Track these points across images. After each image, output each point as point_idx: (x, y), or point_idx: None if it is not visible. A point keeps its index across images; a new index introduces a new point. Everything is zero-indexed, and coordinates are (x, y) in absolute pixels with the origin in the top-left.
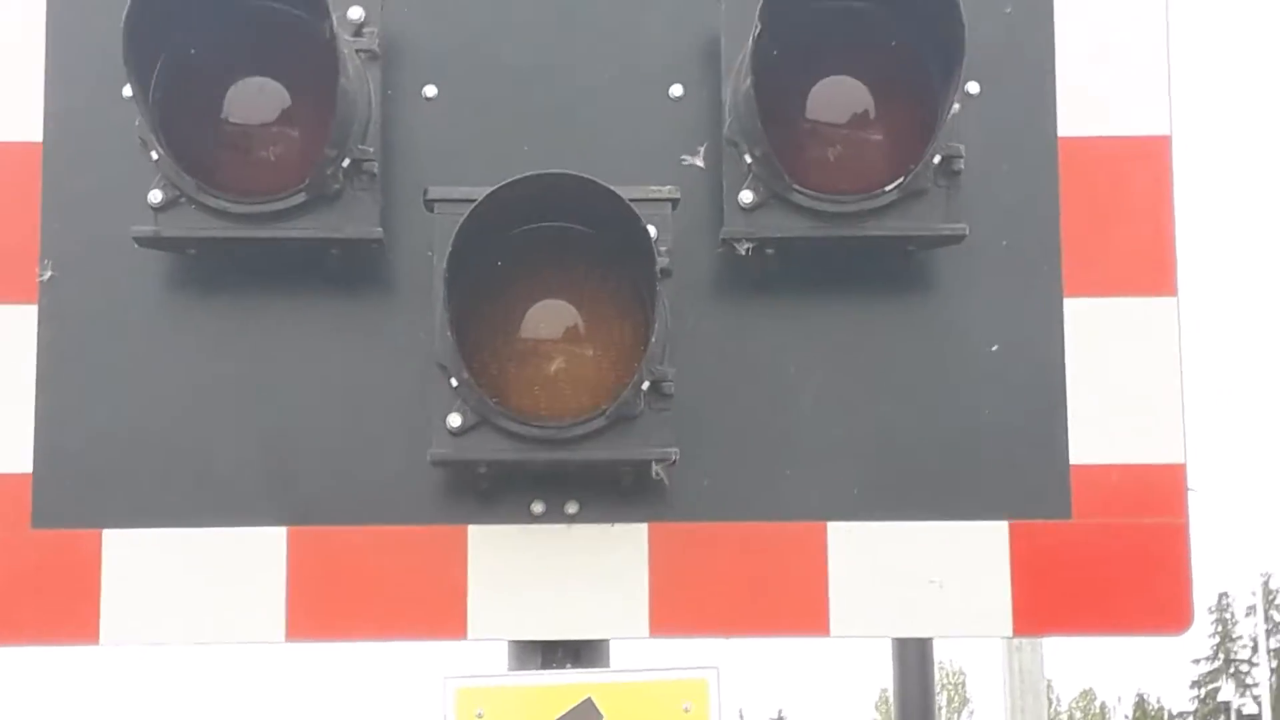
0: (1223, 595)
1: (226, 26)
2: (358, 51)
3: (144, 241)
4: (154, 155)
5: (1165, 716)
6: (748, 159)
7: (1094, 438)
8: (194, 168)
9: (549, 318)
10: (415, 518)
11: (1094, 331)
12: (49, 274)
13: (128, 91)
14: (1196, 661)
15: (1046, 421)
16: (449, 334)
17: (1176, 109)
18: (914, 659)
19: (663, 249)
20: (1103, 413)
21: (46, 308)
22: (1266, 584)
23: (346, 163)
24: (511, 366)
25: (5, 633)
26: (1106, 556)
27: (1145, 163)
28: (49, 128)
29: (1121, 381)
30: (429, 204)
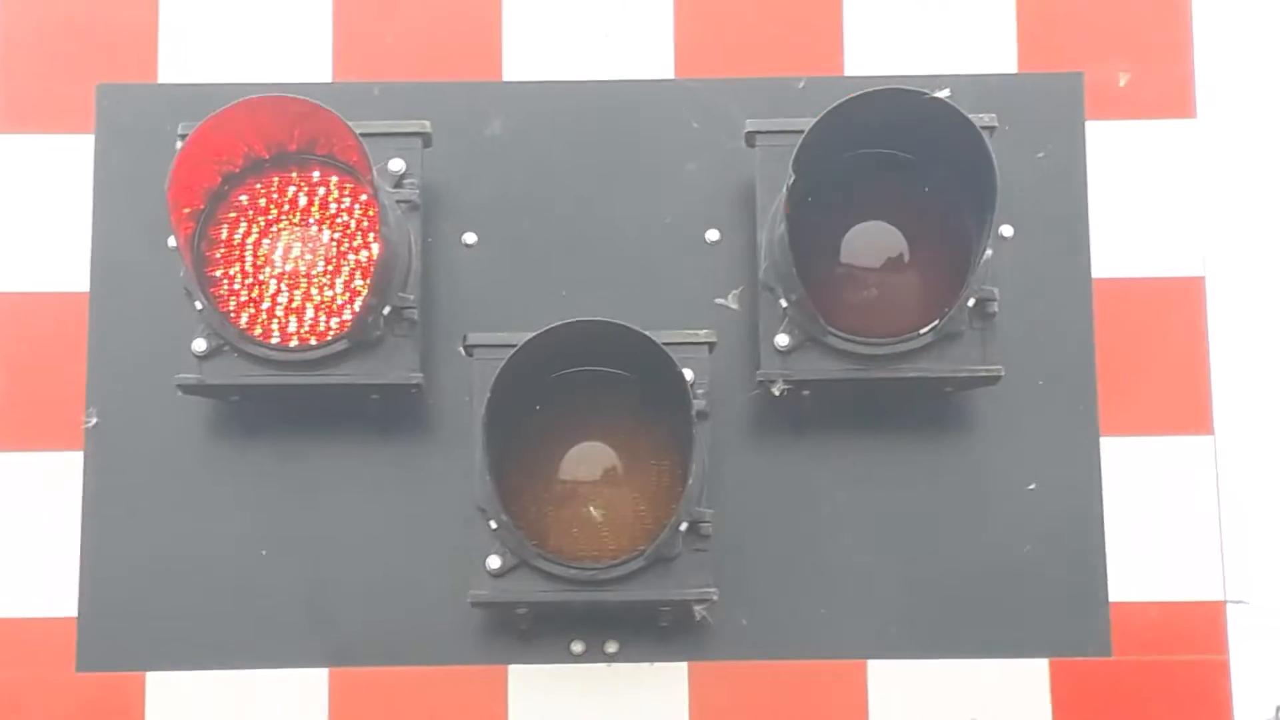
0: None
1: (269, 178)
2: (399, 202)
3: (188, 389)
4: (198, 305)
5: None
6: (783, 303)
7: (1133, 575)
8: (236, 316)
9: (587, 460)
10: (455, 658)
11: (1131, 470)
12: (94, 421)
13: (172, 242)
14: None
15: (1085, 559)
16: (488, 477)
17: (1211, 249)
18: None
19: (699, 391)
20: (1141, 550)
21: (92, 454)
22: None
23: (387, 310)
24: (550, 509)
25: None
26: (1148, 694)
27: (1179, 303)
28: (96, 277)
29: (1159, 519)
30: (468, 350)
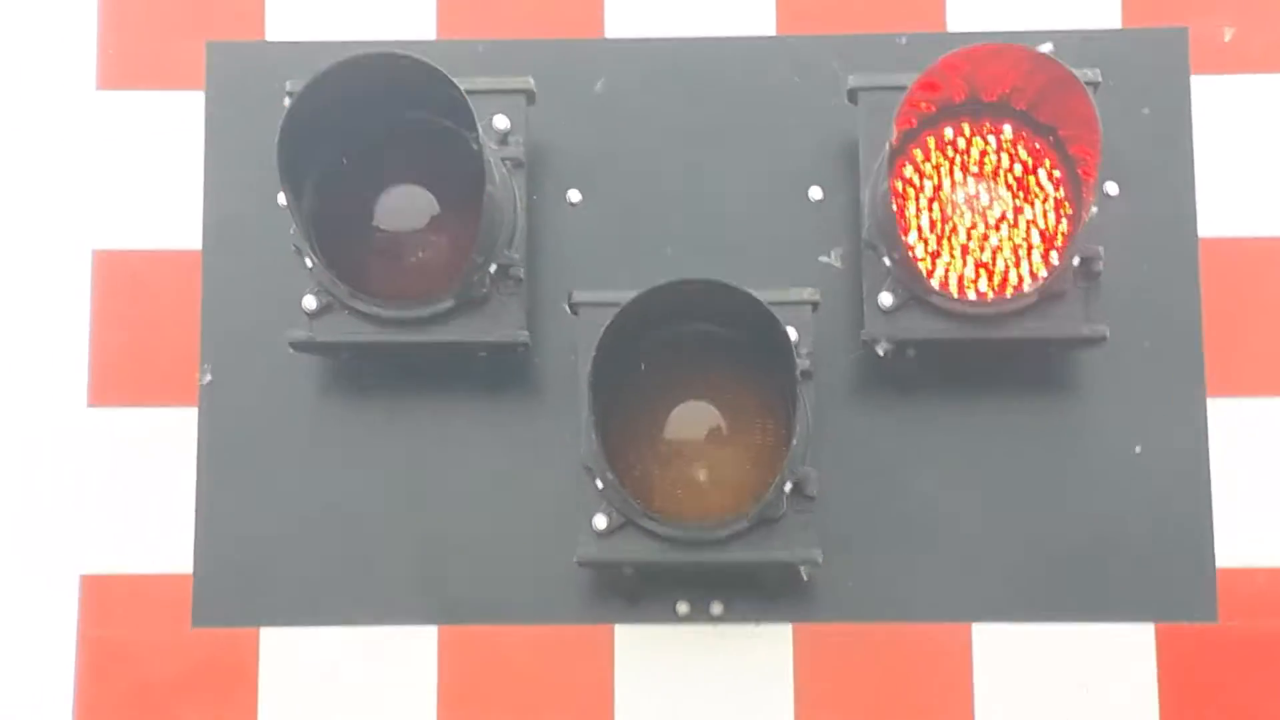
0: None
1: (377, 136)
2: (504, 160)
3: (299, 346)
4: (308, 263)
5: None
6: (886, 261)
7: (1240, 540)
8: (347, 274)
9: (692, 420)
10: (562, 617)
11: (1238, 431)
12: (208, 378)
13: (282, 200)
14: None
15: (1192, 523)
16: (594, 436)
17: None
18: None
19: (803, 351)
20: (1249, 514)
21: (206, 410)
22: None
23: (493, 268)
24: (655, 468)
25: None
26: (1255, 660)
27: None
28: (208, 235)
29: (1267, 482)
30: (573, 308)
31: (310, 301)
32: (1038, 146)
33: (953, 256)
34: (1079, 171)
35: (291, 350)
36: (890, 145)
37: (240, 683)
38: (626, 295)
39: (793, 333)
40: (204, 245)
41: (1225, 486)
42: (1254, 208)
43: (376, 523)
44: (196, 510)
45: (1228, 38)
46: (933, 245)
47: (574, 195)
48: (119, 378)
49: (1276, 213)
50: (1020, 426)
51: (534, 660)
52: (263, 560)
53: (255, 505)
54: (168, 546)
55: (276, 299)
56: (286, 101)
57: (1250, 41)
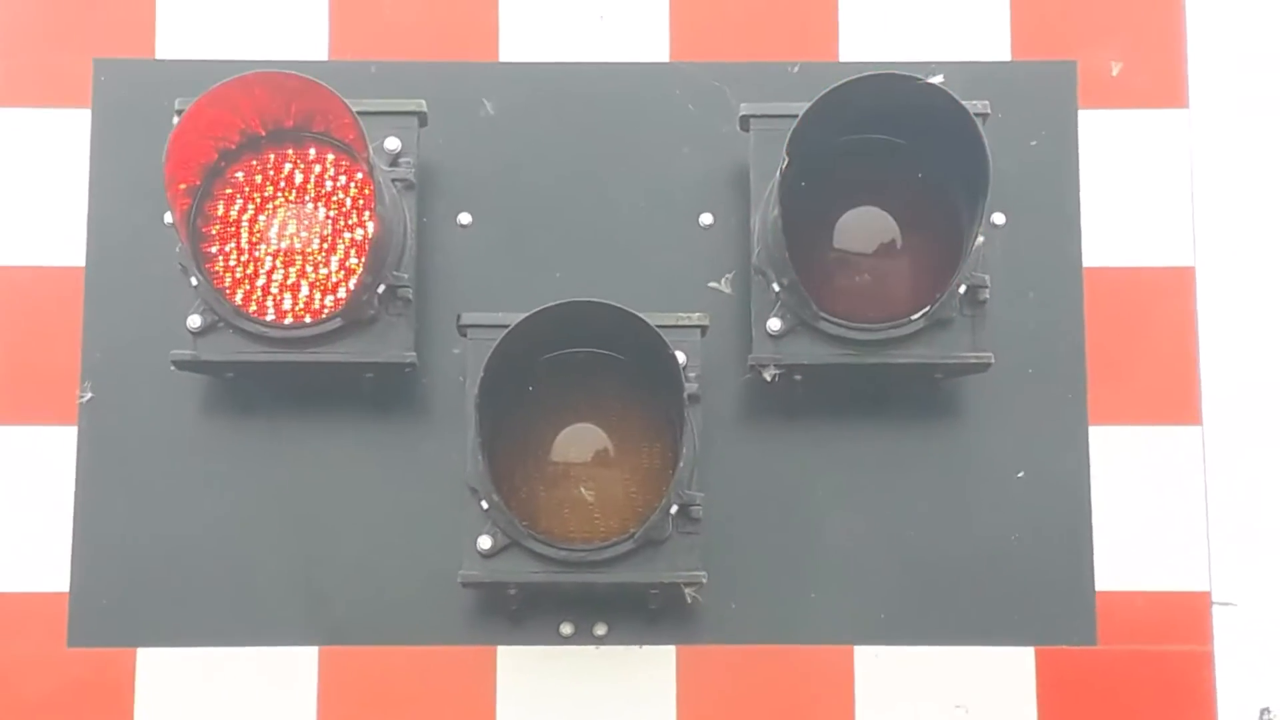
0: (1265, 711)
1: (267, 155)
2: (394, 181)
3: (183, 365)
4: (193, 281)
5: None
6: (775, 287)
7: (1119, 565)
8: (231, 293)
9: (579, 442)
10: (445, 638)
11: (1119, 459)
12: (88, 396)
13: (168, 218)
14: None
15: (1072, 548)
16: (480, 457)
17: (1202, 239)
18: None
19: (691, 375)
20: (1128, 540)
21: (86, 429)
22: None
23: (382, 289)
24: (541, 489)
25: None
26: (1132, 683)
27: (1170, 293)
28: (91, 252)
29: (1146, 509)
30: (462, 329)
31: (195, 320)
32: (922, 176)
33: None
34: (966, 201)
35: (174, 369)
36: (781, 172)
37: (116, 703)
38: (515, 317)
39: (681, 356)
40: (87, 262)
41: (1105, 512)
42: (1138, 239)
43: (259, 543)
44: (74, 529)
45: (1115, 72)
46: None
47: (464, 217)
48: None
49: (1160, 244)
50: (905, 451)
51: (416, 682)
52: (141, 580)
53: (135, 524)
54: (44, 565)
55: (160, 317)
56: (175, 120)
57: (1137, 76)
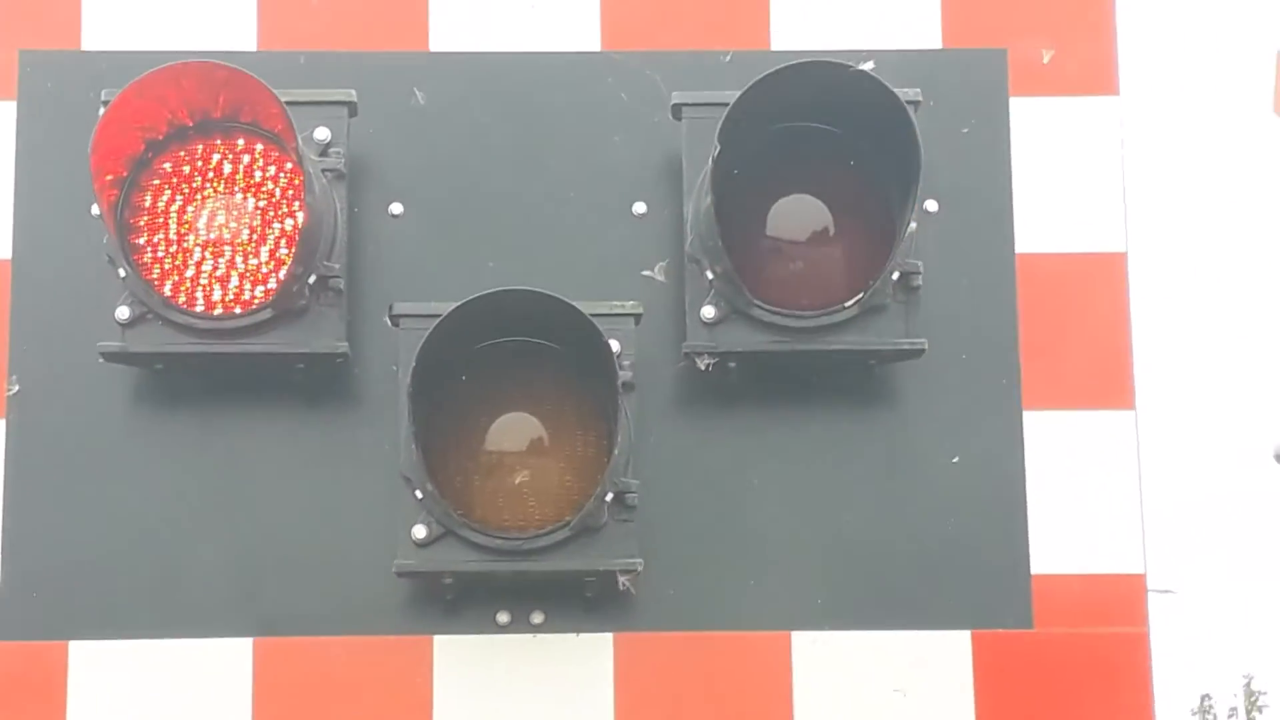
0: (1205, 697)
1: (193, 145)
2: (324, 171)
3: (111, 356)
4: (121, 272)
5: None
6: (709, 275)
7: (1054, 548)
8: (160, 284)
9: (513, 431)
10: (381, 628)
11: (1053, 443)
12: (16, 388)
13: (95, 210)
14: None
15: (1007, 532)
16: (414, 446)
17: (1133, 224)
18: None
19: (625, 363)
20: (1062, 523)
21: (14, 422)
22: (1248, 685)
23: (313, 279)
24: (476, 479)
25: None
26: (1069, 666)
27: (1102, 278)
28: (18, 244)
29: (1080, 493)
30: (394, 319)
31: (123, 312)
32: (853, 163)
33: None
34: (898, 188)
35: (103, 361)
36: (713, 160)
37: (49, 697)
38: (448, 306)
39: (615, 344)
40: (13, 254)
41: (1040, 496)
42: (1070, 225)
43: (191, 535)
44: (3, 522)
45: (1046, 60)
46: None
47: (396, 207)
48: None
49: (1091, 230)
50: (840, 438)
51: (352, 672)
52: (72, 573)
53: (65, 517)
54: None
55: (88, 309)
56: (101, 111)
57: (1067, 64)
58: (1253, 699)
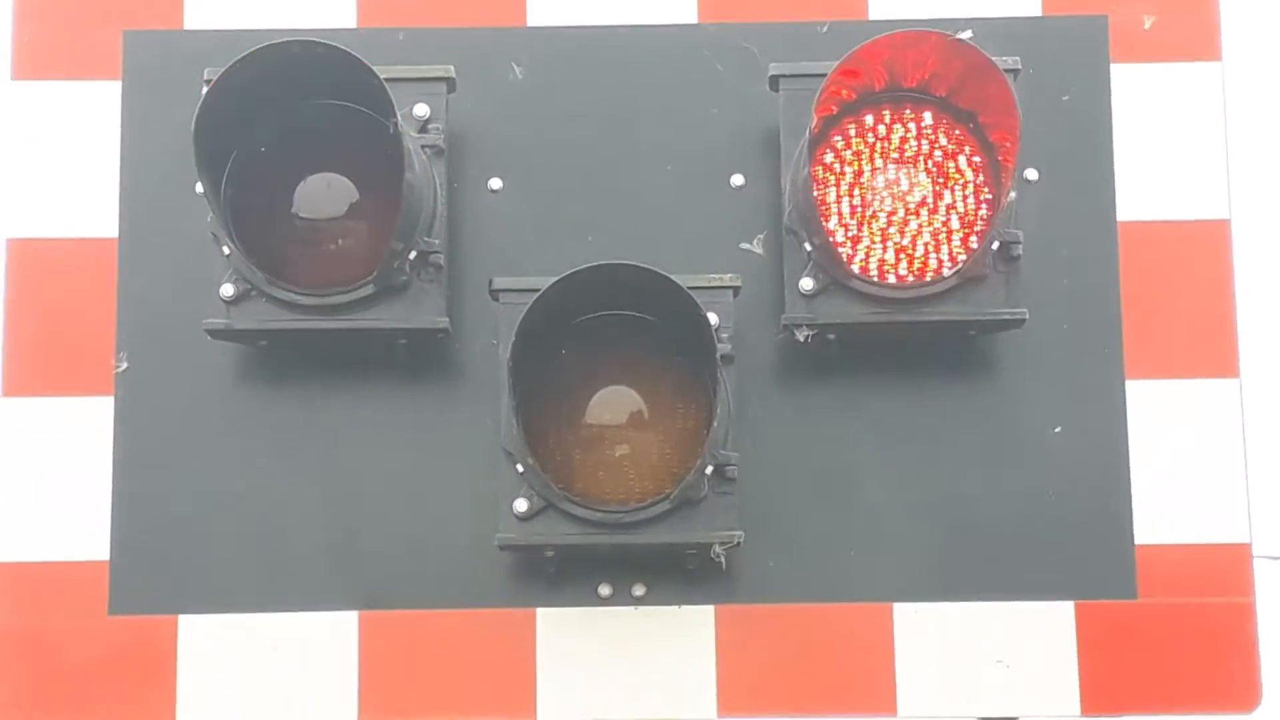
0: None
1: (295, 124)
2: (424, 147)
3: (216, 334)
4: (225, 250)
5: None
6: (807, 247)
7: (1158, 518)
8: (264, 262)
9: (613, 404)
10: (484, 601)
11: (1156, 413)
12: (124, 366)
13: (200, 188)
14: None
15: (1111, 502)
16: (514, 421)
17: (1236, 192)
18: None
19: (724, 335)
20: (1166, 493)
21: (122, 399)
22: None
23: (413, 255)
24: (576, 452)
25: (83, 718)
26: (1173, 636)
27: (1205, 246)
28: (124, 223)
29: (1184, 462)
30: (494, 294)
31: (228, 289)
32: (958, 133)
33: (873, 242)
34: (998, 157)
35: (209, 338)
36: (810, 132)
37: (159, 670)
38: (547, 281)
39: (713, 317)
40: (120, 233)
41: (1143, 466)
42: (1171, 193)
43: (296, 509)
44: (113, 498)
45: (1147, 25)
46: (853, 230)
47: (495, 182)
48: (34, 367)
49: (1193, 197)
50: (941, 409)
51: (456, 644)
52: (180, 547)
53: (172, 493)
54: (85, 534)
55: (194, 287)
56: (204, 90)
57: (1169, 30)
58: None
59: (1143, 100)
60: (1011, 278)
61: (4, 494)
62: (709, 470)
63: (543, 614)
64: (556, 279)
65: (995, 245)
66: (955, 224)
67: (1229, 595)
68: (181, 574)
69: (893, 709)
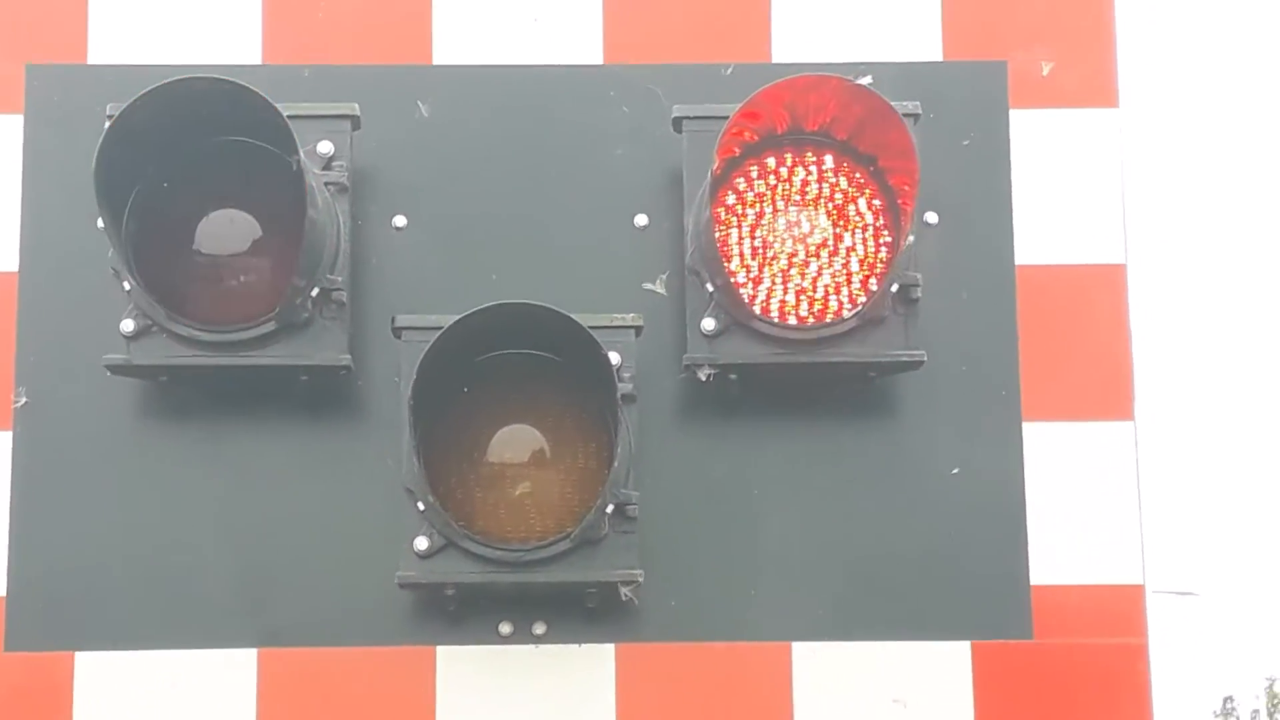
0: (1228, 699)
1: (198, 160)
2: (327, 184)
3: (116, 369)
4: (126, 285)
5: None
6: (709, 287)
7: (1054, 559)
8: (165, 297)
9: (514, 442)
10: (384, 639)
11: (1052, 455)
12: (23, 400)
13: (101, 223)
14: None
15: (1007, 543)
16: (415, 459)
17: (1132, 236)
18: None
19: (626, 375)
20: (1062, 534)
21: (20, 434)
22: (1271, 688)
23: (315, 292)
24: (477, 490)
25: None
26: (1068, 676)
27: (1101, 290)
28: (24, 257)
29: (1080, 504)
30: (396, 332)
31: (128, 324)
32: (858, 176)
33: (774, 283)
34: (898, 201)
35: (109, 373)
36: (713, 173)
37: (56, 707)
38: (450, 319)
39: (615, 357)
40: (20, 267)
41: (1039, 507)
42: (1069, 237)
43: (196, 546)
44: (10, 533)
45: (1045, 72)
46: (755, 272)
47: (399, 220)
48: None
49: (1090, 242)
50: (840, 449)
51: (356, 682)
52: (78, 584)
53: (71, 529)
54: None
55: (94, 322)
56: (107, 125)
57: (1067, 76)
58: (1275, 701)
59: (1041, 145)
60: (910, 320)
61: None
62: (610, 509)
63: (443, 652)
64: (459, 317)
65: (895, 288)
66: (855, 266)
67: (1123, 636)
68: (79, 610)
69: None
